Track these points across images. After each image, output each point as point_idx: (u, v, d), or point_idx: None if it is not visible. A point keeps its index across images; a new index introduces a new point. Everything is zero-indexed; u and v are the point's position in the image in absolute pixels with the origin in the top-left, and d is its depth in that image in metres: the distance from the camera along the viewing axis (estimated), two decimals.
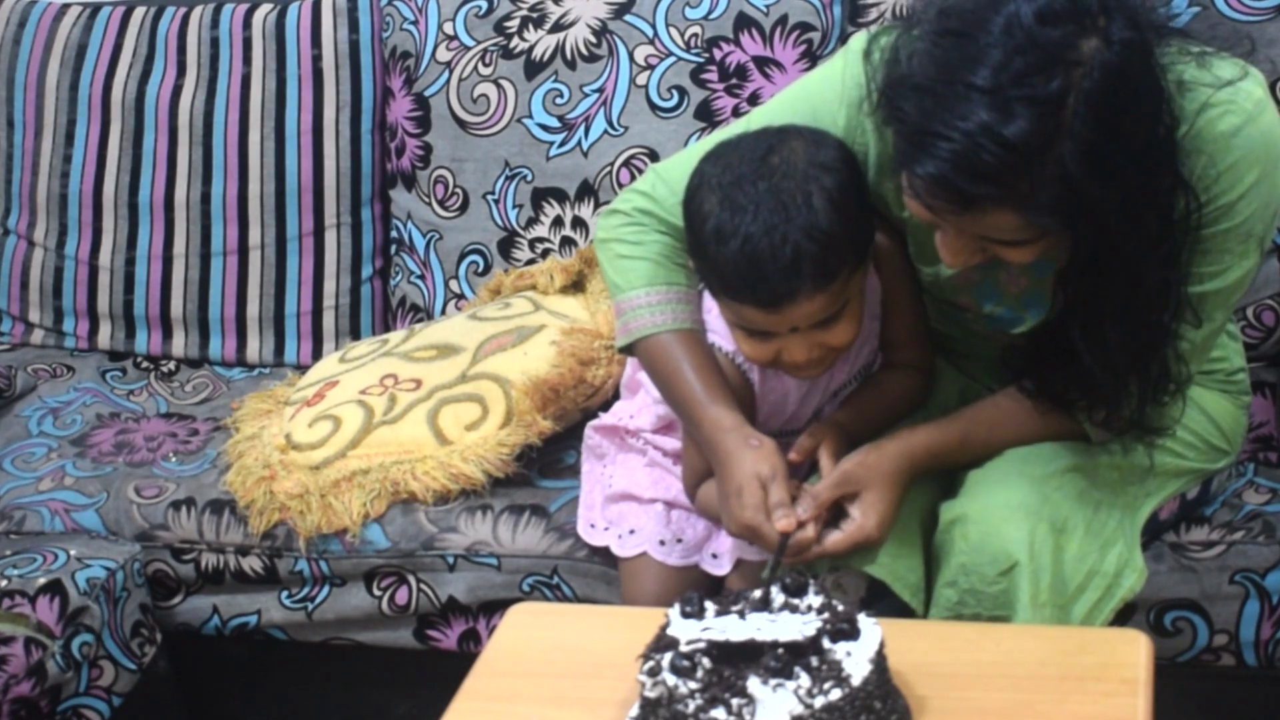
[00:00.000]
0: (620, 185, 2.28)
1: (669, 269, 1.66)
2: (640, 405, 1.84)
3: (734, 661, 1.23)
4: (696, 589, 1.44)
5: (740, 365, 1.66)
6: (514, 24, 2.38)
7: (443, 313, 2.43)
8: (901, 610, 1.56)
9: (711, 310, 1.66)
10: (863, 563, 1.57)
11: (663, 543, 1.78)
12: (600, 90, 2.32)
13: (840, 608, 1.26)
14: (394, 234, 2.50)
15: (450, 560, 1.98)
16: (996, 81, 1.28)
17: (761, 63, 2.26)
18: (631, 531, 1.81)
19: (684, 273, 1.66)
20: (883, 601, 1.57)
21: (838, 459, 1.60)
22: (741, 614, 1.28)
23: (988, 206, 1.33)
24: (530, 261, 2.36)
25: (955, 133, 1.29)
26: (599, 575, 1.91)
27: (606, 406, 1.97)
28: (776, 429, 1.71)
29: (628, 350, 1.69)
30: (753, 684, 1.20)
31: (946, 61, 1.32)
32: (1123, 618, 1.74)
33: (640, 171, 2.27)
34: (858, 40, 1.54)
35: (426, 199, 2.44)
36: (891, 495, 1.56)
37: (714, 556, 1.78)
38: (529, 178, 2.35)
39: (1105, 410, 1.54)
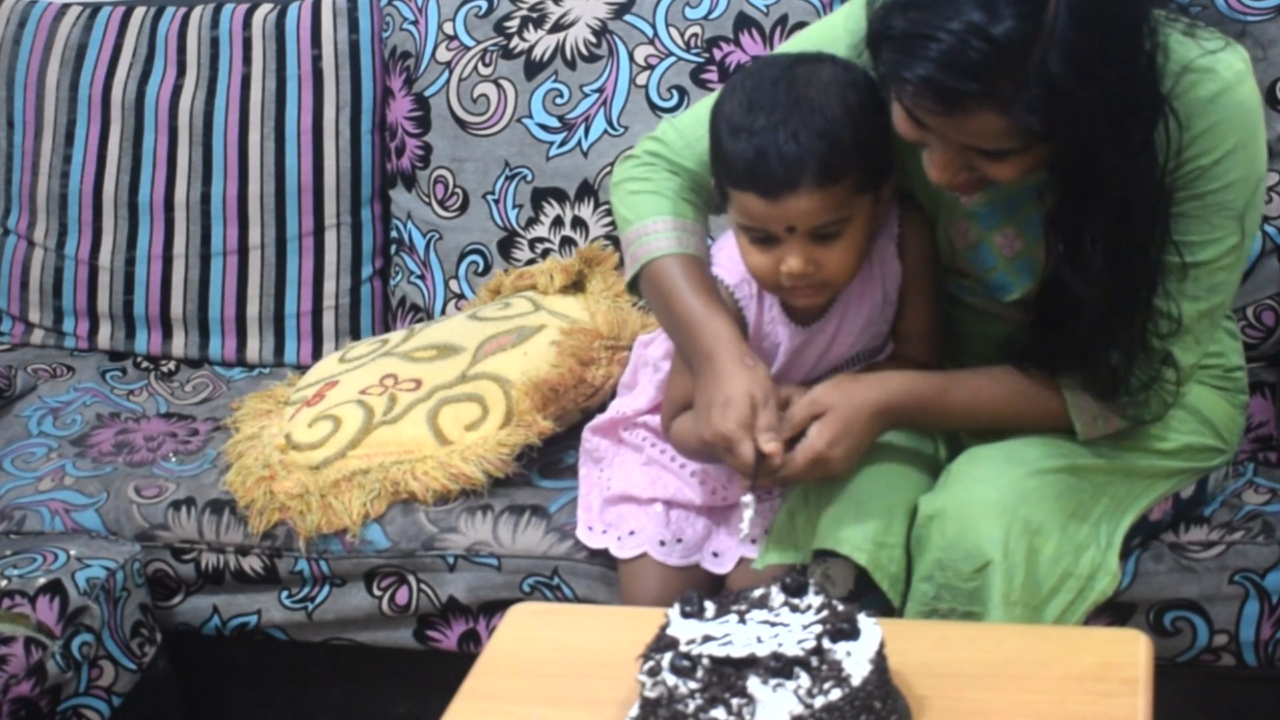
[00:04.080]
0: None
1: (676, 202, 1.69)
2: (640, 390, 1.84)
3: (734, 661, 1.23)
4: (697, 589, 1.44)
5: (739, 303, 1.67)
6: (514, 24, 2.38)
7: (443, 313, 2.43)
8: (887, 603, 1.56)
9: (722, 249, 1.69)
10: (846, 545, 1.56)
11: (663, 543, 1.78)
12: (600, 90, 2.32)
13: (840, 608, 1.27)
14: (394, 234, 2.51)
15: (450, 560, 1.98)
16: None
17: None
18: (631, 533, 1.81)
19: (691, 207, 1.69)
20: (871, 594, 1.57)
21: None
22: (741, 615, 1.28)
23: (972, 107, 1.36)
24: (530, 261, 2.36)
25: (943, 33, 1.33)
26: (599, 576, 1.91)
27: (605, 408, 1.96)
28: None
29: (634, 289, 1.71)
30: (753, 684, 1.20)
31: None
32: (1122, 618, 1.75)
33: None
34: None
35: (426, 199, 2.44)
36: (856, 423, 1.56)
37: (715, 555, 1.78)
38: (529, 178, 2.35)
39: (1092, 373, 1.55)
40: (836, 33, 1.63)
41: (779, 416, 1.56)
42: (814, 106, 1.51)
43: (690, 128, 1.67)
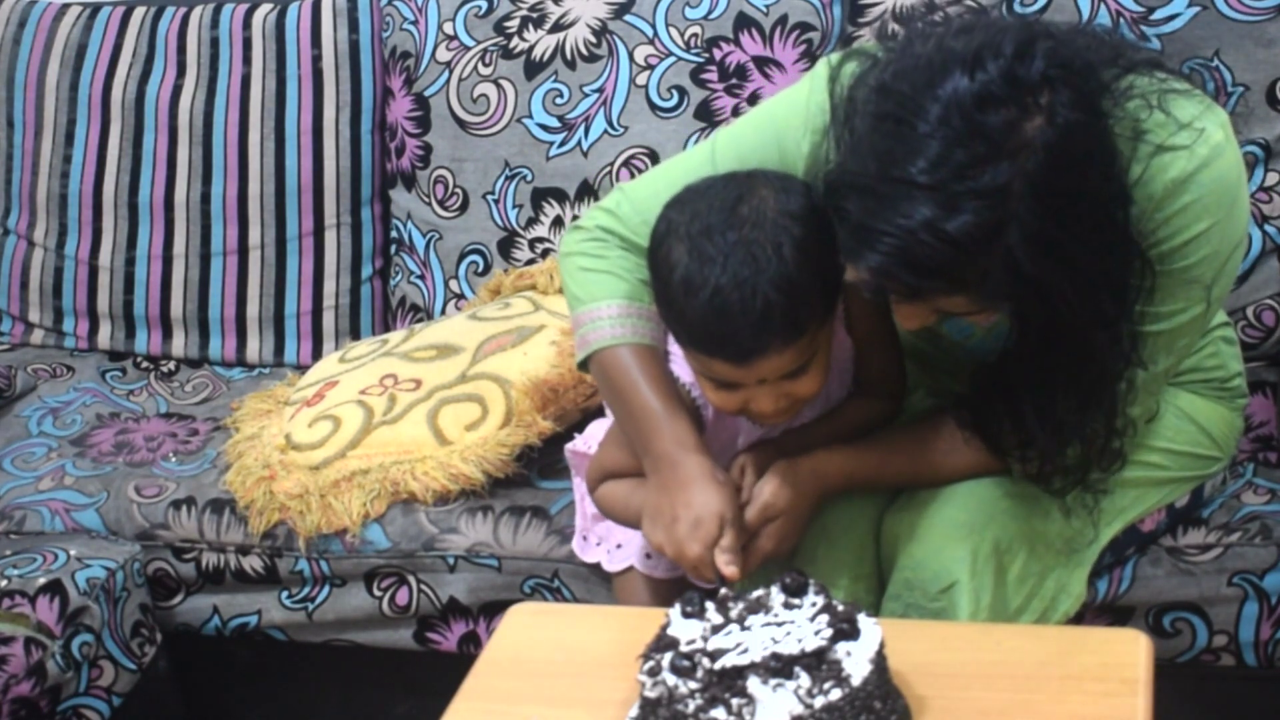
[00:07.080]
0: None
1: (631, 284, 1.61)
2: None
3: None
4: None
5: (695, 399, 1.62)
6: (514, 24, 2.38)
7: (443, 313, 2.43)
8: None
9: (676, 345, 1.63)
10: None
11: (649, 556, 1.77)
12: (600, 90, 2.32)
13: (840, 607, 1.27)
14: (394, 234, 2.51)
15: (451, 561, 1.98)
16: (937, 176, 1.26)
17: (761, 63, 2.26)
18: (619, 546, 1.80)
19: (646, 290, 1.59)
20: None
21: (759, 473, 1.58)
22: (741, 618, 1.28)
23: (933, 295, 1.33)
24: (530, 261, 2.36)
25: (896, 229, 1.27)
26: (600, 579, 1.91)
27: (604, 410, 1.96)
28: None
29: (585, 367, 1.64)
30: (753, 684, 1.20)
31: (886, 152, 1.29)
32: (1121, 620, 1.75)
33: (639, 171, 2.27)
34: (823, 65, 1.51)
35: (426, 199, 2.44)
36: (802, 517, 1.56)
37: None
38: (529, 178, 2.35)
39: (1039, 465, 1.52)
40: (799, 115, 1.54)
41: (739, 531, 1.53)
42: (768, 253, 1.42)
43: (645, 201, 1.56)
